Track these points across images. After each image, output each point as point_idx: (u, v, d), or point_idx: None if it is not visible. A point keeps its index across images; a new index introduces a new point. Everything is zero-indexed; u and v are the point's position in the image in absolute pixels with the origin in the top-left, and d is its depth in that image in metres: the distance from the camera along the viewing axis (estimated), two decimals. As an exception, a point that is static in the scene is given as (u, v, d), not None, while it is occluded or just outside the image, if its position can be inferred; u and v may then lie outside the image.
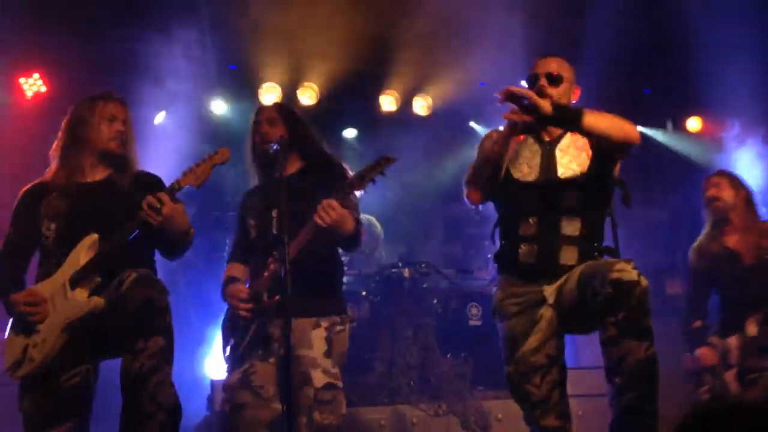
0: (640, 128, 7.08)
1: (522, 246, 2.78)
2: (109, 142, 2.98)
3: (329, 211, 2.82)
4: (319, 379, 2.92)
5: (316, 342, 2.99)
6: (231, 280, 3.20)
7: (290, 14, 5.58)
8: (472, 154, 7.36)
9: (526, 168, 2.82)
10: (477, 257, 6.20)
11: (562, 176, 2.76)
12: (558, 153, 2.80)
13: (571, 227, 2.74)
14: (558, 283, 2.74)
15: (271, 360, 3.02)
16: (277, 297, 2.90)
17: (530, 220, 2.77)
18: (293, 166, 3.26)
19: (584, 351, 5.67)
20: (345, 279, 5.61)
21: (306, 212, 2.88)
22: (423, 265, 5.17)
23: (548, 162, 2.79)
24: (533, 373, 2.80)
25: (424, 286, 5.13)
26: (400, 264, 5.14)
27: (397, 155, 2.92)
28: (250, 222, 3.25)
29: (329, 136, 6.60)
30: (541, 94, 2.72)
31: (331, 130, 6.58)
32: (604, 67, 6.33)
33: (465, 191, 2.97)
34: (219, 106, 6.30)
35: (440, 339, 4.76)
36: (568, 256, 2.73)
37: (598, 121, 2.58)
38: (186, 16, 5.43)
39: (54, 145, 3.06)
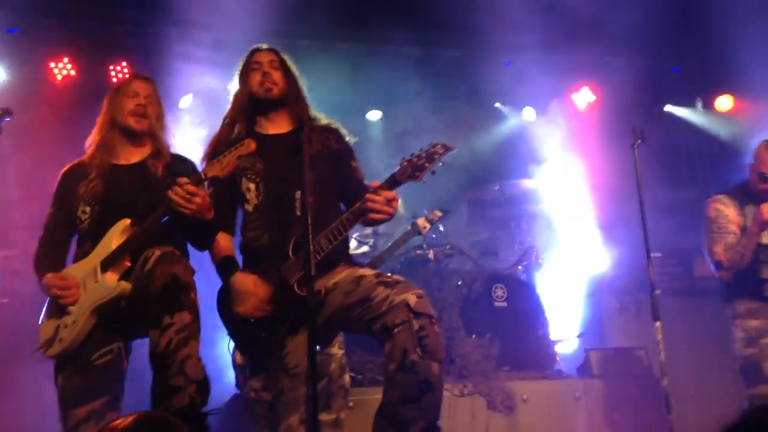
0: (669, 107, 7.04)
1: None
2: (127, 117, 3.02)
3: (393, 204, 2.66)
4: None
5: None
6: (231, 262, 2.89)
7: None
8: (496, 135, 7.31)
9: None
10: (502, 239, 6.18)
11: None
12: None
13: None
14: None
15: (302, 330, 2.77)
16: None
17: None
18: (283, 126, 3.03)
19: (611, 332, 5.64)
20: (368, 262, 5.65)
21: (316, 181, 2.70)
22: (448, 247, 5.16)
23: None
24: None
25: (449, 267, 5.13)
26: (424, 245, 5.14)
27: (458, 144, 2.70)
28: (249, 186, 2.93)
29: (354, 118, 6.66)
30: None
31: (355, 111, 6.57)
32: (633, 46, 6.23)
33: (720, 273, 4.05)
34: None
35: (465, 320, 4.76)
36: None
37: None
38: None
39: (94, 128, 3.11)
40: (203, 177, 2.71)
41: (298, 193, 2.79)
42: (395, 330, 2.57)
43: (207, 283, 2.96)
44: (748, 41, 5.79)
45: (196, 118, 5.90)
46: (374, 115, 6.85)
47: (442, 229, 5.32)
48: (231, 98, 3.11)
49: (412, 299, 2.60)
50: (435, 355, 2.57)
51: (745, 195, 4.11)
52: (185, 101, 6.12)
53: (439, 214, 4.82)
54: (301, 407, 2.82)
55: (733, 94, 6.88)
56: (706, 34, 6.21)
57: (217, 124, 3.12)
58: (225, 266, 2.89)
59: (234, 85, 3.11)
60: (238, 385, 4.18)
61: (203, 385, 2.60)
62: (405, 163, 2.68)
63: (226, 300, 2.88)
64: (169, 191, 2.67)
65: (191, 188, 2.66)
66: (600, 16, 5.67)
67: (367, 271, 2.81)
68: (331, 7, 5.74)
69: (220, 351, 4.46)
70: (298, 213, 2.78)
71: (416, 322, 2.57)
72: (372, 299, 2.65)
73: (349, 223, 2.74)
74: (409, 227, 4.82)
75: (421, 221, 4.72)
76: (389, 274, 2.77)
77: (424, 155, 2.66)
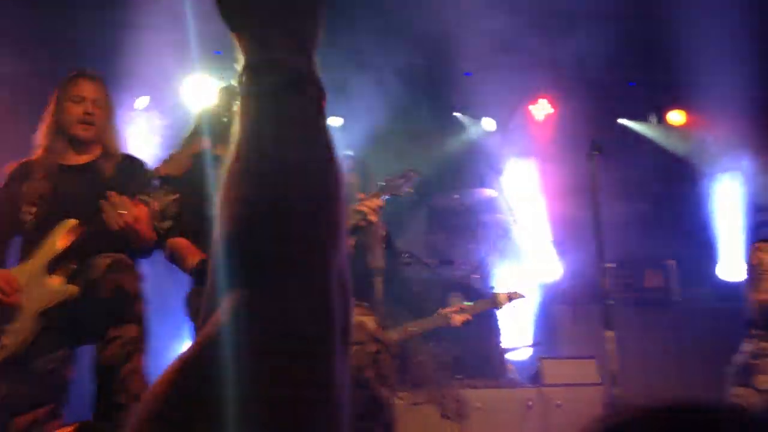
0: (623, 120, 7.18)
1: None
2: (73, 126, 2.92)
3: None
4: None
5: None
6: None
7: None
8: (456, 144, 7.37)
9: None
10: (459, 247, 6.21)
11: None
12: None
13: None
14: None
15: None
16: None
17: None
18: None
19: (564, 341, 5.72)
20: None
21: None
22: (405, 255, 5.16)
23: None
24: None
25: (406, 275, 5.13)
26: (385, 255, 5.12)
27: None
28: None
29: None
30: None
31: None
32: (589, 59, 6.34)
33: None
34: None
35: (421, 328, 4.75)
36: None
37: None
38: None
39: (41, 125, 3.00)
40: (156, 175, 2.67)
41: None
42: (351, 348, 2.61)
43: (173, 291, 2.89)
44: (701, 58, 5.95)
45: (152, 120, 5.80)
46: (335, 122, 6.84)
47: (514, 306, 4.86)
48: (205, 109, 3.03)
49: (370, 323, 2.68)
50: (387, 380, 2.68)
51: None
52: (141, 102, 6.00)
53: (520, 295, 4.58)
54: None
55: (685, 109, 7.05)
56: (660, 49, 6.36)
57: (173, 128, 3.08)
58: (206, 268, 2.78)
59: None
60: None
61: None
62: (386, 182, 3.31)
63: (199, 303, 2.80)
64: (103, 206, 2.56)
65: (117, 199, 2.56)
66: (557, 29, 5.76)
67: None
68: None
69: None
70: None
71: (373, 345, 2.69)
72: None
73: None
74: (488, 298, 4.61)
75: (503, 297, 4.51)
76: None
77: (401, 176, 3.35)
